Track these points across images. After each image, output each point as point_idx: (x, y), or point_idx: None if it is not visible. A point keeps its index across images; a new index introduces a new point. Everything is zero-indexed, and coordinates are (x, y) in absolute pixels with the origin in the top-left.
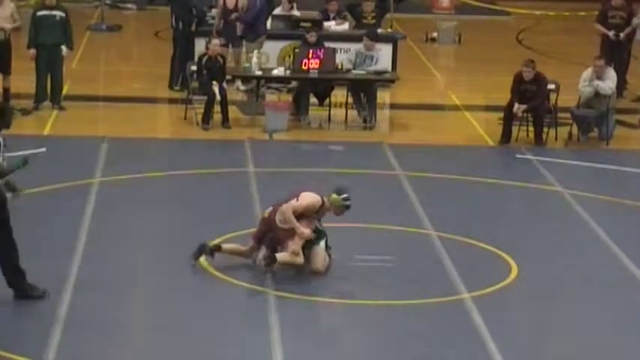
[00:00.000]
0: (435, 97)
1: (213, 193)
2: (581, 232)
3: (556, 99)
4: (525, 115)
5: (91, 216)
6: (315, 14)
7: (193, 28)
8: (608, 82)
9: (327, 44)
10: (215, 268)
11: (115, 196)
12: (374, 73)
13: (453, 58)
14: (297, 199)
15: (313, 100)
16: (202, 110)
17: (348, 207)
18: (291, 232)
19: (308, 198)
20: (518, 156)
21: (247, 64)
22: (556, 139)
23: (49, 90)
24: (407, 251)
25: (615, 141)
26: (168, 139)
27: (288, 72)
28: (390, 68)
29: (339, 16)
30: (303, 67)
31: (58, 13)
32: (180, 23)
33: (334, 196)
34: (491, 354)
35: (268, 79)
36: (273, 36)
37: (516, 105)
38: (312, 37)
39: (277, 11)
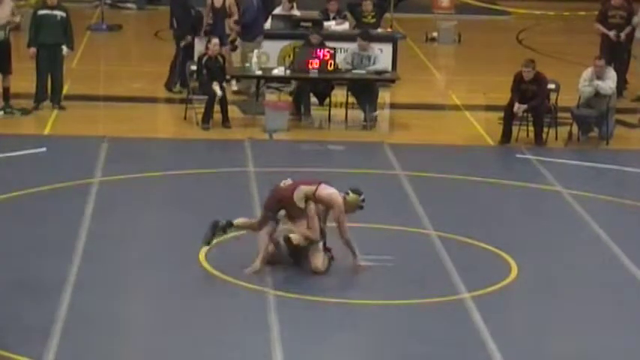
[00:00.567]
0: (435, 97)
1: (213, 193)
2: (581, 232)
3: (556, 99)
4: (525, 114)
5: (91, 216)
6: (315, 14)
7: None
8: (609, 82)
9: (327, 44)
10: (215, 268)
11: (115, 196)
12: (374, 73)
13: (453, 57)
14: (318, 188)
15: (313, 99)
16: (202, 110)
17: (362, 208)
18: (304, 214)
19: (334, 195)
20: (518, 156)
21: (247, 64)
22: (556, 138)
23: (50, 90)
24: (407, 251)
25: (615, 141)
26: (168, 139)
27: (288, 72)
28: (390, 68)
29: (340, 15)
30: (309, 67)
31: (58, 13)
32: (179, 24)
33: (352, 195)
34: (491, 354)
35: (268, 79)
36: (273, 36)
37: (516, 105)
38: (315, 39)
39: (277, 11)
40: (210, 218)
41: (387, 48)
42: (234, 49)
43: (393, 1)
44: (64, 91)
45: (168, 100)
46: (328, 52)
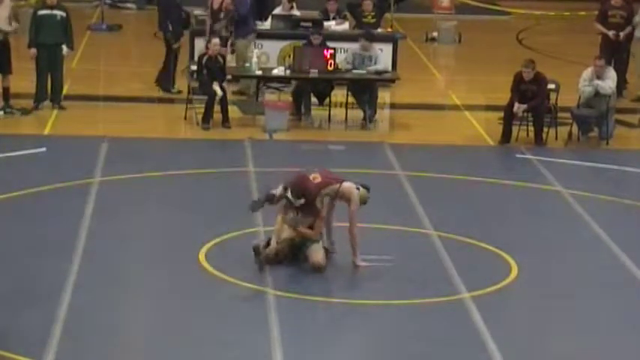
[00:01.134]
0: (435, 97)
1: (213, 193)
2: (581, 232)
3: (556, 99)
4: (525, 114)
5: (90, 216)
6: (315, 14)
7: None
8: (608, 82)
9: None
10: (215, 268)
11: (115, 196)
12: (374, 73)
13: (453, 57)
14: (341, 185)
15: (313, 99)
16: (202, 110)
17: (365, 203)
18: (315, 211)
19: (354, 190)
20: (518, 156)
21: (247, 64)
22: (556, 138)
23: (50, 90)
24: (407, 251)
25: (615, 141)
26: (168, 139)
27: (288, 72)
28: (390, 68)
29: (339, 15)
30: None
31: (58, 13)
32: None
33: (363, 190)
34: (491, 354)
35: (268, 79)
36: (273, 36)
37: (516, 105)
38: (316, 40)
39: (277, 11)
40: (210, 218)
41: (387, 48)
42: (233, 51)
43: (393, 1)
44: (64, 91)
45: (168, 100)
46: (328, 51)
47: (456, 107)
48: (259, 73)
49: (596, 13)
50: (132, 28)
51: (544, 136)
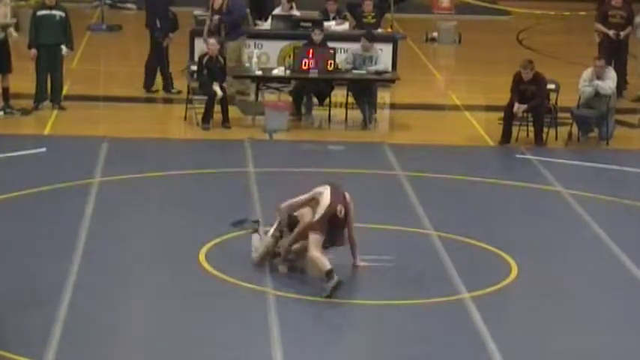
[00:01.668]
0: (435, 97)
1: (213, 193)
2: (581, 232)
3: (556, 99)
4: (525, 115)
5: (90, 216)
6: (315, 14)
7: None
8: (608, 82)
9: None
10: (215, 268)
11: (115, 196)
12: (374, 73)
13: (453, 58)
14: (345, 196)
15: (313, 99)
16: (202, 110)
17: None
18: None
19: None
20: (518, 156)
21: (248, 64)
22: (556, 139)
23: (49, 90)
24: (407, 251)
25: (615, 141)
26: (168, 139)
27: (288, 72)
28: (390, 68)
29: (339, 16)
30: (303, 67)
31: (58, 13)
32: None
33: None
34: (491, 354)
35: (268, 79)
36: (273, 36)
37: (516, 105)
38: (317, 36)
39: (277, 11)
40: (210, 218)
41: (387, 48)
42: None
43: (393, 2)
44: (64, 91)
45: (168, 100)
46: (323, 50)
47: (456, 107)
48: (259, 73)
49: (595, 13)
50: (132, 28)
51: (544, 136)
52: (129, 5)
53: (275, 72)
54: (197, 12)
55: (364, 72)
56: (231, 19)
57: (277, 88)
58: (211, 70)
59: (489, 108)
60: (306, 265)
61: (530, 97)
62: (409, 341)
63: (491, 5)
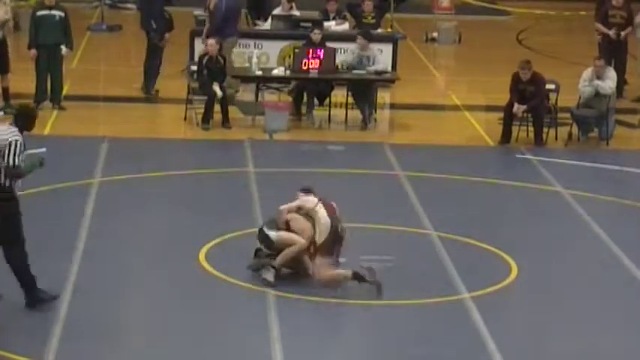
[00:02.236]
0: (435, 97)
1: (213, 193)
2: (581, 232)
3: (556, 99)
4: (525, 115)
5: (91, 216)
6: (315, 14)
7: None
8: (608, 82)
9: (327, 44)
10: (215, 268)
11: (115, 196)
12: (374, 73)
13: (453, 58)
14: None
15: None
16: (202, 110)
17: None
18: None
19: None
20: (518, 156)
21: (248, 64)
22: (556, 139)
23: (49, 90)
24: (407, 251)
25: (615, 141)
26: (168, 139)
27: (288, 72)
28: (390, 68)
29: (339, 16)
30: (303, 67)
31: (57, 13)
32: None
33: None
34: (491, 354)
35: (268, 79)
36: (273, 36)
37: (516, 105)
38: (316, 35)
39: (277, 11)
40: (210, 218)
41: (387, 48)
42: None
43: (394, 2)
44: (64, 92)
45: (168, 100)
46: (325, 50)
47: (456, 107)
48: (259, 73)
49: (594, 12)
50: (132, 28)
51: (544, 136)
52: (129, 5)
53: (275, 72)
54: (197, 12)
55: (364, 72)
56: (217, 20)
57: (277, 88)
58: (211, 70)
59: (489, 108)
60: (321, 281)
61: (529, 97)
62: (409, 341)
63: (491, 5)
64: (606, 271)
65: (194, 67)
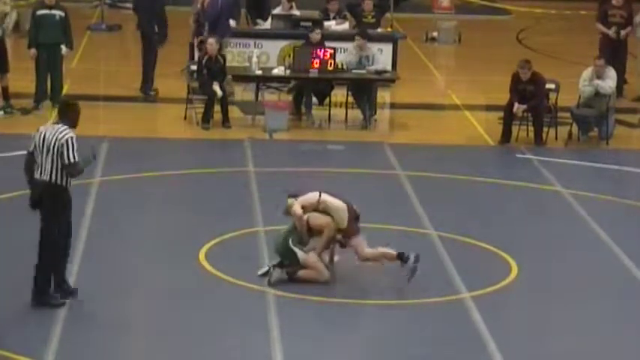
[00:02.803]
0: (435, 97)
1: (213, 193)
2: (581, 232)
3: (556, 99)
4: (525, 114)
5: (91, 215)
6: (315, 14)
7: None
8: (609, 82)
9: (327, 44)
10: (215, 268)
11: (115, 195)
12: (374, 73)
13: (453, 57)
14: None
15: (313, 99)
16: (202, 110)
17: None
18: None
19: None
20: (518, 156)
21: (247, 64)
22: (556, 138)
23: (49, 89)
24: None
25: (615, 140)
26: (168, 139)
27: (288, 72)
28: (390, 68)
29: (340, 15)
30: (315, 65)
31: (57, 13)
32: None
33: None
34: (491, 354)
35: (268, 79)
36: (273, 36)
37: (516, 105)
38: (316, 35)
39: (277, 11)
40: (210, 218)
41: (387, 48)
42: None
43: (394, 1)
44: (64, 91)
45: (168, 100)
46: (328, 51)
47: (456, 107)
48: (259, 72)
49: (596, 13)
50: (132, 28)
51: (544, 136)
52: (129, 5)
53: (275, 72)
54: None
55: (364, 71)
56: (207, 19)
57: (277, 88)
58: (211, 69)
59: (489, 108)
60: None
61: (529, 96)
62: (409, 341)
63: (491, 4)
64: (606, 271)
65: (194, 67)
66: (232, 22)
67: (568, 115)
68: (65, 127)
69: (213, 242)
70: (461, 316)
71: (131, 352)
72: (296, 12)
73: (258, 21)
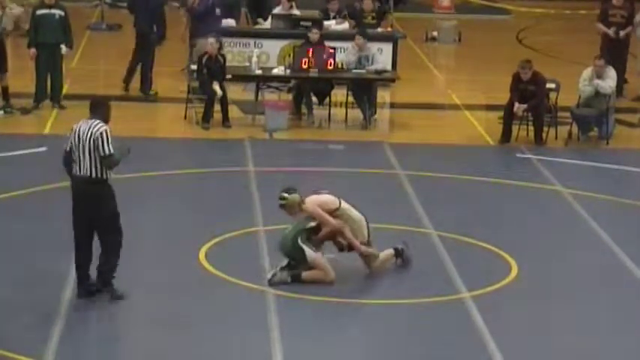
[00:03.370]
0: (435, 97)
1: (213, 193)
2: (581, 232)
3: (556, 98)
4: (525, 114)
5: None
6: (315, 13)
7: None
8: (609, 82)
9: (327, 43)
10: (215, 268)
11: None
12: (374, 73)
13: (453, 57)
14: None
15: (313, 99)
16: (202, 110)
17: (280, 206)
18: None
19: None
20: (518, 155)
21: (247, 64)
22: (556, 138)
23: (49, 89)
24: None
25: (615, 140)
26: (168, 138)
27: (288, 71)
28: (390, 67)
29: (340, 15)
30: (303, 65)
31: (57, 12)
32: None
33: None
34: (491, 354)
35: (268, 79)
36: (273, 35)
37: (516, 104)
38: (314, 35)
39: (277, 10)
40: (210, 218)
41: (387, 47)
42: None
43: (394, 1)
44: (64, 91)
45: (168, 100)
46: (322, 49)
47: (456, 107)
48: (259, 72)
49: (597, 12)
50: (132, 28)
51: (544, 135)
52: None
53: (275, 71)
54: None
55: (364, 71)
56: (197, 16)
57: (277, 88)
58: (211, 69)
59: (489, 107)
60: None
61: (530, 96)
62: (409, 341)
63: (491, 4)
64: (606, 271)
65: (194, 67)
66: (232, 22)
67: (568, 114)
68: (98, 121)
69: (213, 242)
70: (461, 316)
71: (131, 352)
72: (296, 12)
73: (259, 20)
